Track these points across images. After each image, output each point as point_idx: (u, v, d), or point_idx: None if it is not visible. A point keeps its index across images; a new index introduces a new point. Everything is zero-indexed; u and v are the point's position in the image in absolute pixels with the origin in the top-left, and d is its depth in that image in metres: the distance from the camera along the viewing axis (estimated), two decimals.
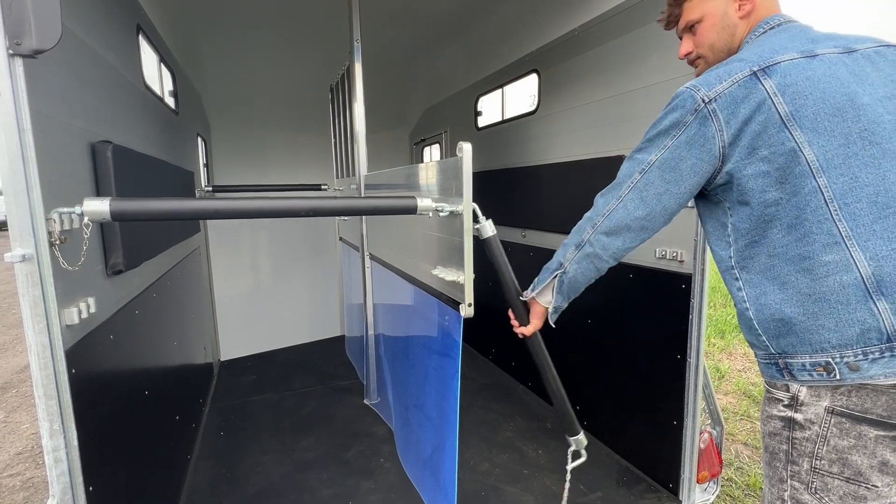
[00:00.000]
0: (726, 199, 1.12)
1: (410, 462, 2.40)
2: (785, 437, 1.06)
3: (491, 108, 3.73)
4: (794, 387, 1.04)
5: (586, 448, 1.60)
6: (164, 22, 2.72)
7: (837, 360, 0.97)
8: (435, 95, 4.67)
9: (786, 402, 1.05)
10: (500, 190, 3.45)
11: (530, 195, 3.12)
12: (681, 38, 1.33)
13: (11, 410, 3.98)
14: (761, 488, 2.70)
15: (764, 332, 1.07)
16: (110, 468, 1.35)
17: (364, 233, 3.02)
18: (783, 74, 1.01)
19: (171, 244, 2.33)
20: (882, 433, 0.96)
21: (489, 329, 3.67)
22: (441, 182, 1.64)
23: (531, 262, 3.08)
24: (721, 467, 2.17)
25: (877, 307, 0.93)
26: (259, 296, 4.57)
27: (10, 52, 0.97)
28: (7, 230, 1.09)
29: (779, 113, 1.00)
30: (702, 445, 2.09)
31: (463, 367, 1.71)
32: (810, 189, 0.98)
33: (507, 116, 3.49)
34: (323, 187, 4.11)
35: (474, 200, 1.47)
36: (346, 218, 3.64)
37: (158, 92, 2.45)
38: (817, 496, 1.02)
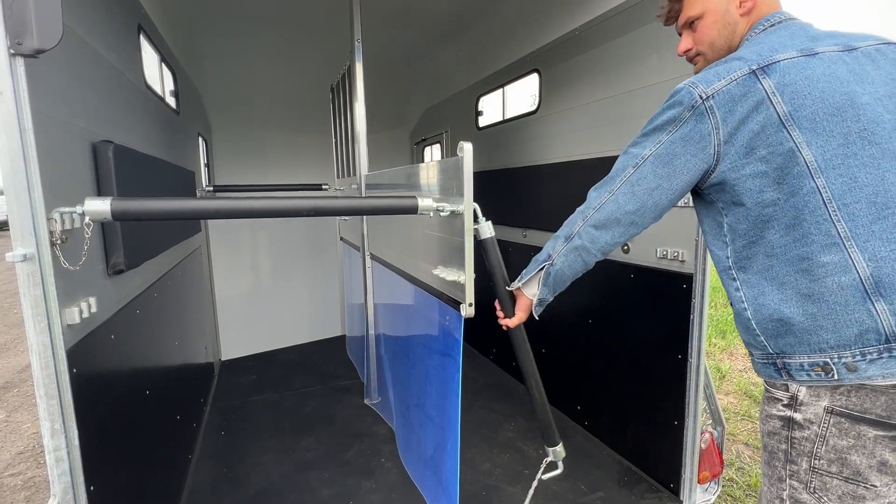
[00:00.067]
0: (719, 199, 1.12)
1: (412, 462, 2.40)
2: (784, 436, 1.06)
3: (492, 108, 3.73)
4: (793, 386, 1.04)
5: (563, 461, 1.61)
6: (164, 22, 2.72)
7: (835, 360, 0.97)
8: (435, 95, 4.67)
9: (785, 402, 1.05)
10: (501, 190, 3.45)
11: (531, 195, 3.12)
12: (680, 35, 1.31)
13: (13, 410, 3.99)
14: None
15: (762, 333, 1.07)
16: (111, 468, 1.35)
17: (365, 232, 3.02)
18: (782, 73, 1.01)
19: (171, 244, 2.34)
20: (881, 433, 0.96)
21: (490, 329, 3.66)
22: (442, 182, 1.65)
23: None
24: (722, 467, 2.17)
25: (875, 308, 0.93)
26: (260, 295, 4.58)
27: (12, 51, 0.97)
28: (8, 230, 1.09)
29: (777, 113, 0.99)
30: (703, 445, 2.09)
31: (464, 367, 1.71)
32: (809, 190, 0.98)
33: (507, 116, 3.49)
34: (324, 187, 4.12)
35: (475, 200, 1.47)
36: (346, 218, 3.64)
37: (159, 92, 2.46)
38: (816, 495, 1.02)
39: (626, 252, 2.38)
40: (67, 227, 1.12)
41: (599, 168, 2.61)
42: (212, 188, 3.79)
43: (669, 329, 2.13)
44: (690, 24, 1.26)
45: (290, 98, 4.36)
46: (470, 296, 1.54)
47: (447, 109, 4.44)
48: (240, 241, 4.45)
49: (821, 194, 0.97)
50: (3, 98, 0.97)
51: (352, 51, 2.78)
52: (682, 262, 2.07)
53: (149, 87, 2.22)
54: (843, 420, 0.98)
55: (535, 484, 1.60)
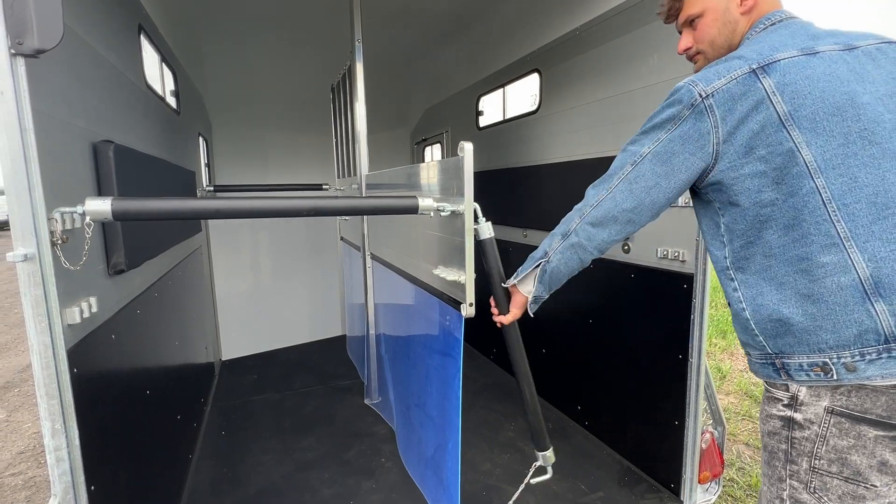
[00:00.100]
0: (716, 199, 1.12)
1: (412, 462, 2.40)
2: (784, 436, 1.06)
3: (492, 108, 3.73)
4: (793, 386, 1.04)
5: (553, 466, 1.61)
6: (165, 22, 2.72)
7: (835, 360, 0.97)
8: (436, 95, 4.67)
9: (785, 402, 1.05)
10: (502, 190, 3.45)
11: (532, 195, 3.12)
12: (680, 33, 1.31)
13: (13, 410, 3.99)
14: None
15: (761, 333, 1.07)
16: (112, 467, 1.35)
17: (365, 232, 3.02)
18: (782, 73, 1.00)
19: (172, 244, 2.34)
20: (881, 433, 0.95)
21: (490, 329, 3.66)
22: (442, 182, 1.65)
23: None
24: (723, 467, 2.17)
25: (874, 308, 0.93)
26: (260, 295, 4.58)
27: (12, 51, 0.97)
28: (9, 230, 1.10)
29: (777, 112, 0.99)
30: (703, 445, 2.09)
31: (464, 367, 1.71)
32: (808, 190, 0.97)
33: (508, 116, 3.49)
34: (324, 187, 4.12)
35: (475, 200, 1.47)
36: (347, 218, 3.64)
37: (160, 91, 2.46)
38: (816, 495, 1.02)
39: (627, 252, 2.38)
40: (68, 226, 1.12)
41: (600, 168, 2.59)
42: (212, 188, 3.79)
43: (670, 329, 2.13)
44: (691, 23, 1.25)
45: (290, 98, 4.36)
46: (470, 296, 1.54)
47: (447, 109, 4.44)
48: (240, 241, 4.45)
49: (820, 194, 0.97)
50: (4, 98, 0.97)
51: (352, 51, 2.78)
52: (683, 262, 2.07)
53: (149, 87, 2.22)
54: (843, 420, 0.98)
55: (521, 487, 1.60)
